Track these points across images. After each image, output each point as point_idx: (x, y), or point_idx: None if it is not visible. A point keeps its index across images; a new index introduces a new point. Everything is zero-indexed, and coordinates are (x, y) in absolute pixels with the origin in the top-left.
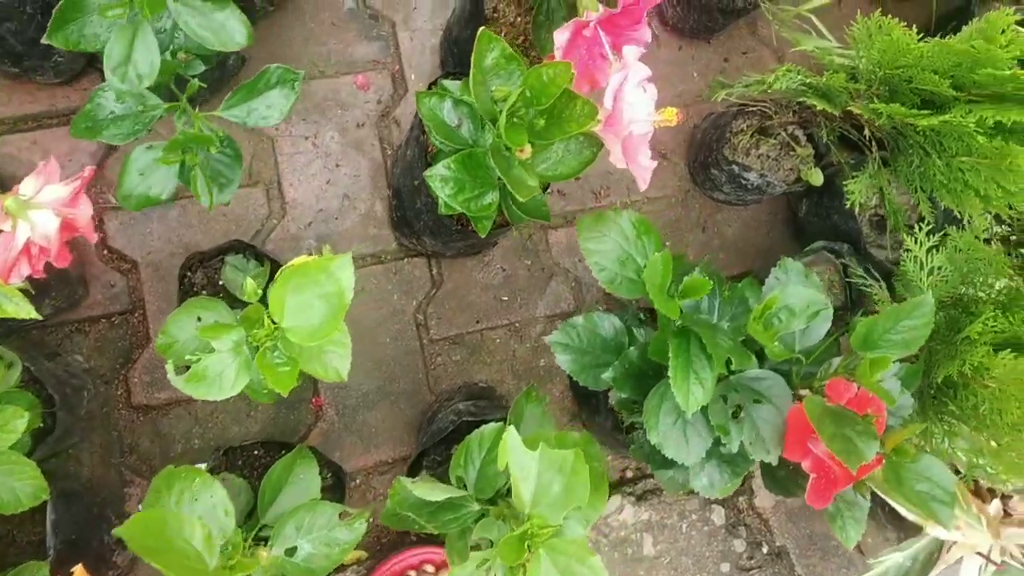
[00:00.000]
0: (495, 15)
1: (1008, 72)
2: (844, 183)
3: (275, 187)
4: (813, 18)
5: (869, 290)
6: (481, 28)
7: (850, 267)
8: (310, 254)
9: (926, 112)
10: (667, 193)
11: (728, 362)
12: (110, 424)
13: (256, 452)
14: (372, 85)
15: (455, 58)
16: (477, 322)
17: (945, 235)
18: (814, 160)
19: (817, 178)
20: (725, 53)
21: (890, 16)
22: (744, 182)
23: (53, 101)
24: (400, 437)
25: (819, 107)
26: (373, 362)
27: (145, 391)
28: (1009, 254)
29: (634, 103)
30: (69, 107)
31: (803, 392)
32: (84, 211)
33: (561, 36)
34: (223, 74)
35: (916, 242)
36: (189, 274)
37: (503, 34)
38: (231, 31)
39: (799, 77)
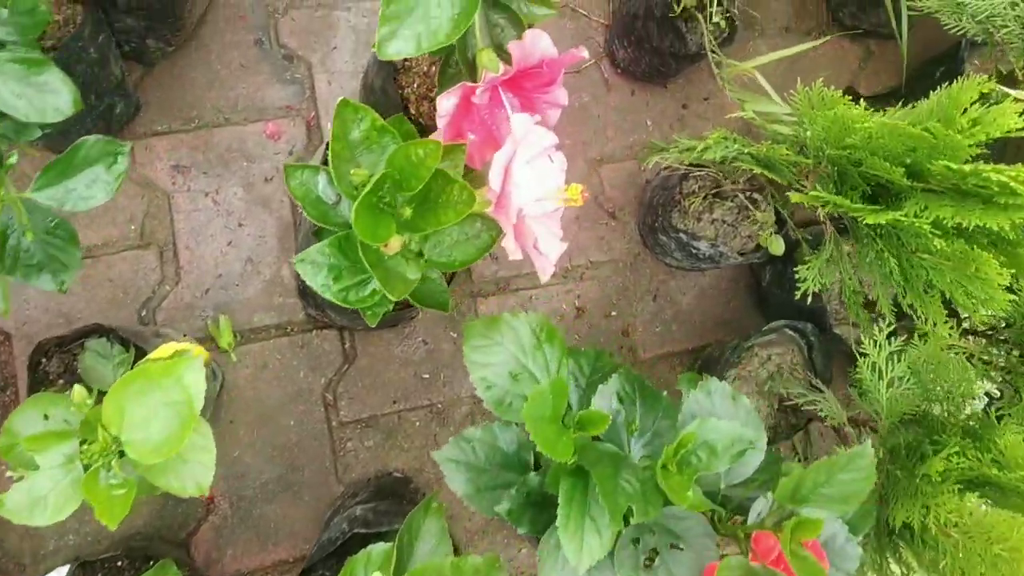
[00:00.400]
0: (407, 63)
1: (968, 167)
2: (795, 268)
3: (169, 249)
4: (759, 76)
5: (814, 407)
6: (341, 98)
7: (814, 349)
8: (206, 326)
9: (875, 207)
10: (615, 257)
11: (629, 511)
12: None
13: (119, 563)
14: (284, 134)
15: (374, 107)
16: (394, 402)
17: (908, 340)
18: (776, 226)
19: (778, 247)
20: (683, 99)
21: (834, 88)
22: (695, 251)
23: None
24: (302, 533)
25: (758, 172)
26: (274, 448)
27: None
28: (995, 348)
29: (523, 184)
30: None
31: (732, 536)
32: None
33: (446, 102)
34: (108, 125)
35: (874, 345)
36: (44, 361)
37: (415, 85)
38: (52, 97)
39: (736, 146)
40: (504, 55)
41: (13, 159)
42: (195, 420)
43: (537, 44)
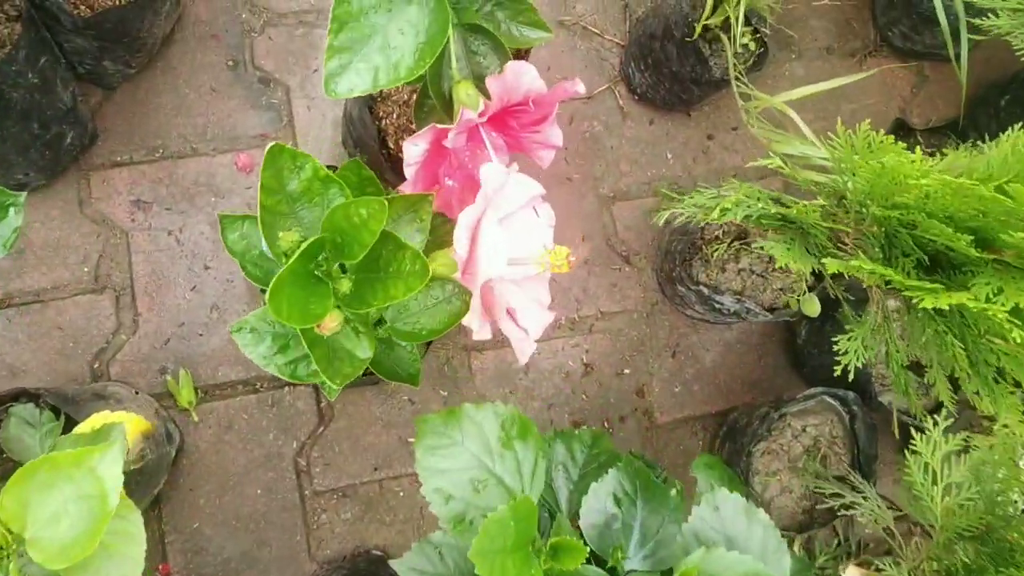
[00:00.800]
0: (384, 91)
1: None
2: (834, 340)
3: (127, 294)
4: (791, 113)
5: (852, 511)
6: (273, 143)
7: (857, 420)
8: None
9: (933, 283)
10: (628, 307)
11: None
12: None
13: None
14: (257, 166)
15: (354, 138)
16: (375, 469)
17: (972, 429)
18: (812, 278)
19: (812, 308)
20: (709, 128)
21: (882, 132)
22: (718, 306)
23: None
24: None
25: (781, 263)
26: (239, 519)
27: None
28: None
29: (492, 250)
30: None
31: None
32: None
33: (414, 148)
34: (57, 156)
35: (927, 442)
36: None
37: (394, 116)
38: None
39: (759, 205)
40: (486, 87)
41: None
42: (110, 517)
43: (520, 77)
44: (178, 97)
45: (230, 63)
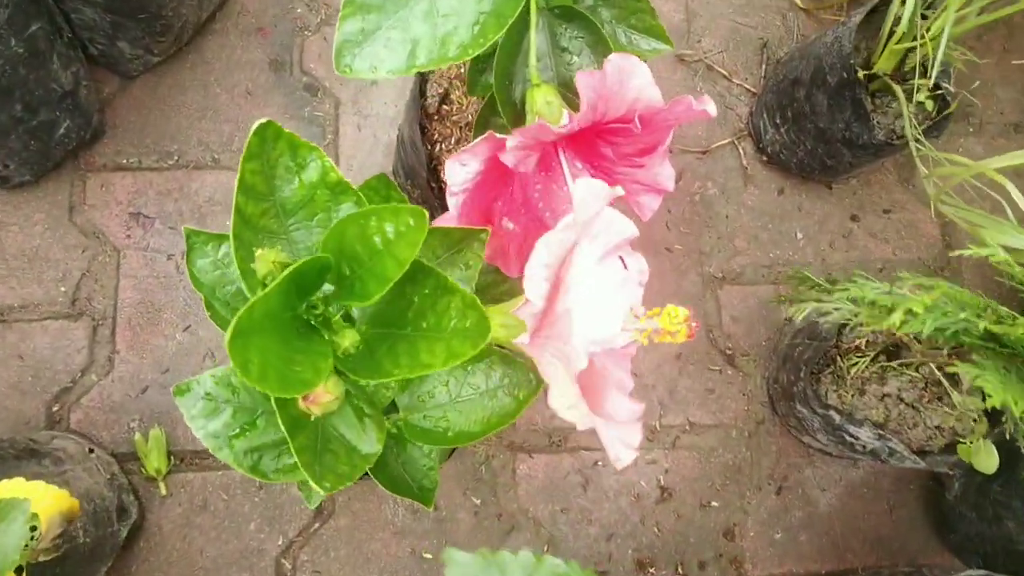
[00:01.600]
0: (443, 107)
1: None
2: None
3: (106, 325)
4: (1009, 185)
5: None
6: (262, 119)
7: None
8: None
9: None
10: (726, 420)
11: None
12: None
13: None
14: None
15: (405, 168)
16: None
17: None
18: (986, 419)
19: (988, 461)
20: (855, 207)
21: None
22: (850, 439)
23: None
24: None
25: (995, 401)
26: None
27: None
28: None
29: (596, 298)
30: None
31: None
32: None
33: (460, 169)
34: (47, 148)
35: None
36: None
37: (451, 139)
38: None
39: (962, 316)
40: (574, 98)
41: None
42: None
43: (628, 79)
44: (206, 97)
45: (274, 64)
